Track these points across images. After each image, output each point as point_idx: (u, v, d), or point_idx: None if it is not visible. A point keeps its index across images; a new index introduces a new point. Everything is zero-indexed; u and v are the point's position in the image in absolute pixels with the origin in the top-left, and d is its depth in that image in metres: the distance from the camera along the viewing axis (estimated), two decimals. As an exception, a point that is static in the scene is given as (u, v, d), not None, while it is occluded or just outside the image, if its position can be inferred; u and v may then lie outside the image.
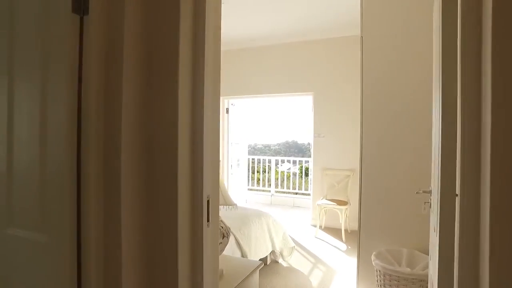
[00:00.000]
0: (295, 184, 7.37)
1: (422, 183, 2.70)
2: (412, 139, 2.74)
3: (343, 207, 4.65)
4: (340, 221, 4.74)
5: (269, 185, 7.42)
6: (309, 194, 6.94)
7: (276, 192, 7.42)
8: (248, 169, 7.70)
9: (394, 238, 2.83)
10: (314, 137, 5.45)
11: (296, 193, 7.30)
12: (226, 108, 6.27)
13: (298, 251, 4.28)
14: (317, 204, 4.85)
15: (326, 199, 4.99)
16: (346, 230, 4.90)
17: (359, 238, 2.91)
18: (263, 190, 7.52)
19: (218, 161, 1.55)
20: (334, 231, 5.07)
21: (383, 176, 2.86)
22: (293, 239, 4.63)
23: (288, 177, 7.54)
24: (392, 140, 2.82)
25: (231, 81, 6.10)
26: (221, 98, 5.82)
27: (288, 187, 7.40)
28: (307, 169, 7.41)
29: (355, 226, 5.24)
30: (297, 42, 5.58)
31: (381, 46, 2.88)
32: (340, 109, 5.25)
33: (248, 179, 7.67)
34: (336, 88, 5.29)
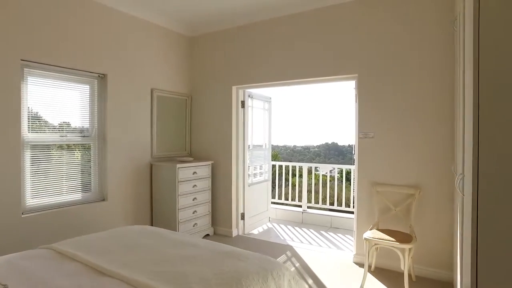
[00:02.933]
0: (335, 194, 5.65)
1: None
2: None
3: (406, 246, 2.94)
4: (402, 267, 3.04)
5: (300, 199, 5.79)
6: (352, 212, 5.26)
7: (309, 208, 5.77)
8: (275, 179, 6.13)
9: None
10: (359, 137, 3.76)
11: (335, 210, 5.60)
12: (241, 101, 4.75)
13: (335, 318, 2.65)
14: (365, 239, 3.17)
15: (377, 230, 3.30)
16: (409, 276, 3.19)
17: None
18: (293, 205, 5.91)
19: None
20: (389, 276, 3.36)
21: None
22: (327, 294, 3.01)
23: (331, 181, 5.84)
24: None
25: (246, 66, 4.57)
26: (233, 88, 4.27)
27: (324, 201, 5.72)
28: (348, 173, 5.70)
29: (422, 270, 3.32)
30: (331, 6, 3.93)
31: None
32: (399, 95, 3.54)
33: (275, 191, 6.09)
34: (393, 64, 3.58)
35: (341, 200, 5.54)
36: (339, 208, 5.52)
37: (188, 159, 4.52)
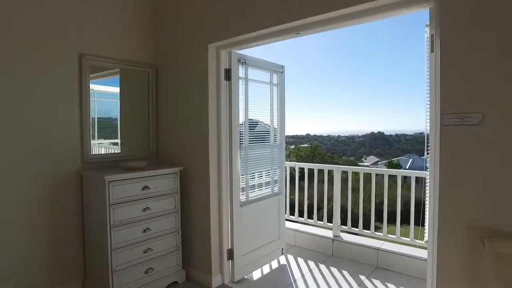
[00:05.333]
0: (385, 210, 3.45)
1: None
2: None
3: None
4: None
5: (330, 219, 3.72)
6: (423, 247, 3.19)
7: (343, 232, 3.69)
8: (294, 187, 4.11)
9: None
10: (444, 125, 1.64)
11: (386, 240, 3.46)
12: (225, 70, 2.80)
13: None
14: None
15: None
16: None
17: None
18: (319, 226, 3.86)
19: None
20: None
21: None
22: None
23: (378, 181, 3.64)
24: None
25: (230, 5, 2.60)
26: (210, 47, 2.14)
27: (366, 225, 3.60)
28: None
29: None
30: None
31: None
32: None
33: (294, 206, 4.08)
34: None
35: (394, 220, 3.38)
36: (392, 237, 3.37)
37: (137, 165, 2.68)
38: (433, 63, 1.72)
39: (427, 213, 2.09)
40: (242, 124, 2.91)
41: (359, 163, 28.32)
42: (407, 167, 26.39)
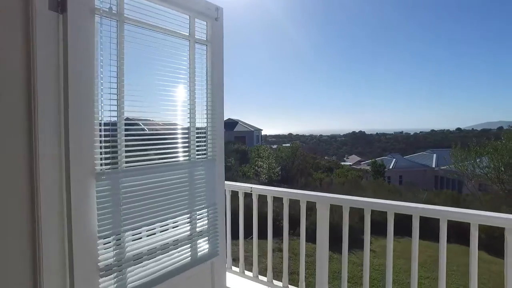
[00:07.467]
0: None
1: None
2: None
3: None
4: None
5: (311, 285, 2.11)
6: None
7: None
8: (251, 219, 2.46)
9: None
10: None
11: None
12: (57, -13, 1.13)
13: None
14: None
15: None
16: None
17: None
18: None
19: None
20: None
21: None
22: None
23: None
24: None
25: None
26: None
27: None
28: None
29: None
30: None
31: None
32: None
33: (252, 257, 2.43)
34: None
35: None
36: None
37: None
38: None
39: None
40: (111, 120, 1.24)
41: (341, 163, 26.97)
42: (390, 167, 25.17)
